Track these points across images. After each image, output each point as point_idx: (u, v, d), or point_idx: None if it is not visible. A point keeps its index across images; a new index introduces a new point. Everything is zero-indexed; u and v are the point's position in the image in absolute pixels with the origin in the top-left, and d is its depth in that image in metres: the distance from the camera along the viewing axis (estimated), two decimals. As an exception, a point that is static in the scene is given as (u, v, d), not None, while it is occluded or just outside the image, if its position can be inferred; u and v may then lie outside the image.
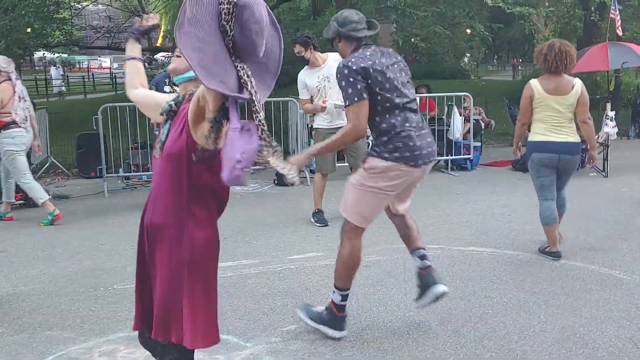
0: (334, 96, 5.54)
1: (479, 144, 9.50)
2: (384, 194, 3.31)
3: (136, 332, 2.43)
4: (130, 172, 8.49)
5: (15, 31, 9.41)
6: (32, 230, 6.03)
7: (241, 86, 1.70)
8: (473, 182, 7.97)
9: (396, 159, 3.22)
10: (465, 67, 22.97)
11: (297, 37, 5.88)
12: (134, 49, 2.47)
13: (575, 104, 4.58)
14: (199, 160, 1.88)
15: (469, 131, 9.02)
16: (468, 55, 23.91)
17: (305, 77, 5.83)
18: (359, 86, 3.19)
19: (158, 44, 17.02)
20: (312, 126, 6.61)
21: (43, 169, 8.88)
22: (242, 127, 1.67)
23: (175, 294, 2.03)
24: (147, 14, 2.58)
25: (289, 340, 3.43)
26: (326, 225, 5.82)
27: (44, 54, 25.95)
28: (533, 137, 4.72)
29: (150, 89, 7.87)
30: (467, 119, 9.13)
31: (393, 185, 3.30)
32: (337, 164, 6.25)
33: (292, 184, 1.90)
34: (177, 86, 7.27)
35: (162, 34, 18.02)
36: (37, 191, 6.18)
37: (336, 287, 3.41)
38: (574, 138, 4.64)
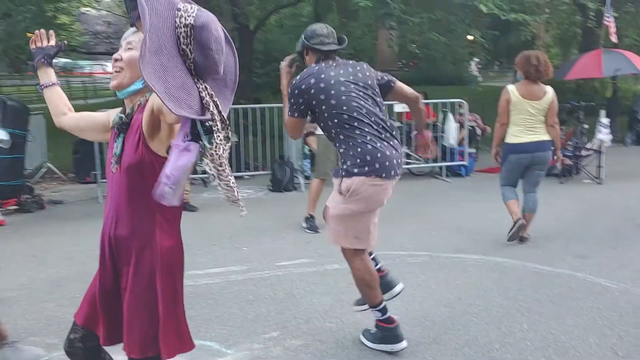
0: None
1: (473, 150, 9.53)
2: (367, 213, 3.23)
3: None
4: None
5: (13, 37, 9.47)
6: (25, 235, 6.06)
7: (203, 106, 1.73)
8: (466, 189, 7.98)
9: (366, 173, 3.12)
10: (472, 74, 23.01)
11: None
12: (48, 74, 2.34)
13: (547, 109, 5.17)
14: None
15: (464, 137, 9.04)
16: (476, 60, 23.94)
17: None
18: (295, 105, 3.28)
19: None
20: (307, 132, 6.62)
21: (39, 174, 8.92)
22: (184, 147, 1.69)
23: (146, 306, 2.04)
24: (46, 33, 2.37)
25: (271, 347, 3.44)
26: (317, 232, 5.84)
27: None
28: (509, 139, 5.31)
29: None
30: (462, 126, 9.15)
31: (373, 202, 3.20)
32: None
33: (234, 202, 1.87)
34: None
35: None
36: None
37: (371, 307, 3.36)
38: (546, 137, 5.24)
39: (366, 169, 3.11)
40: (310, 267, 4.76)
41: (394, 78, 3.48)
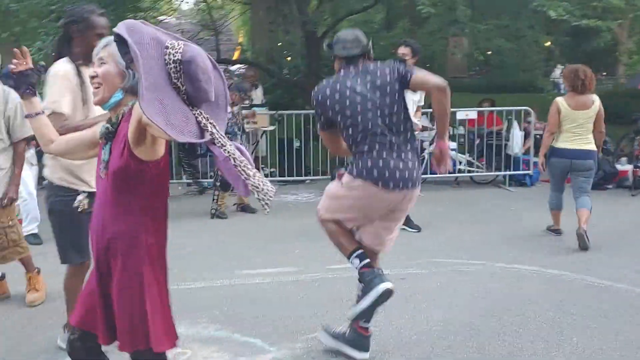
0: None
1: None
2: (355, 204, 3.21)
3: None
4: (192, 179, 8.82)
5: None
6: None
7: (202, 129, 1.91)
8: (529, 199, 7.75)
9: (364, 178, 3.10)
10: (554, 81, 22.30)
11: (409, 42, 5.91)
12: (34, 103, 2.38)
13: (594, 117, 5.55)
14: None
15: (530, 146, 8.81)
16: (561, 67, 23.19)
17: None
18: (317, 117, 3.29)
19: (235, 57, 17.62)
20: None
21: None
22: (224, 158, 1.93)
23: (134, 303, 2.12)
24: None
25: (312, 347, 3.50)
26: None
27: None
28: (554, 144, 5.71)
29: None
30: (528, 134, 8.92)
31: (366, 204, 3.18)
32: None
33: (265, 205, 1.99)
34: (235, 105, 7.46)
35: (239, 48, 18.63)
36: None
37: (348, 258, 3.31)
38: (589, 146, 5.58)
39: (368, 175, 3.09)
40: (361, 272, 4.78)
41: (413, 70, 3.19)
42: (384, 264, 3.50)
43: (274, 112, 9.55)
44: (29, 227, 5.78)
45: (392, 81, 3.14)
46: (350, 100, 3.13)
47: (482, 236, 5.91)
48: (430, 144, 7.84)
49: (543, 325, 3.76)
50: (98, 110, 2.96)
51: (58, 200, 3.14)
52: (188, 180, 8.77)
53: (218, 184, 7.03)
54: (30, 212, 5.85)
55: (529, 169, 8.62)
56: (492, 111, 9.18)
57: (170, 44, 1.91)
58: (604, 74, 39.15)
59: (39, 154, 5.68)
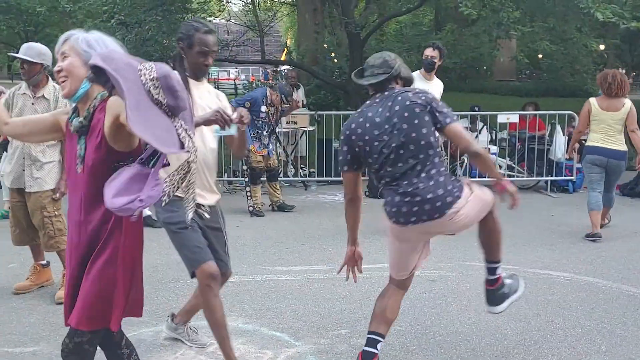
0: None
1: (584, 165, 9.03)
2: (398, 248, 3.19)
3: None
4: (232, 177, 9.00)
5: (144, 44, 10.34)
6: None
7: (180, 140, 2.04)
8: (570, 205, 7.61)
9: (388, 215, 3.01)
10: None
11: (437, 44, 5.94)
12: None
13: (625, 118, 5.74)
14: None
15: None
16: (623, 71, 22.55)
17: (420, 82, 5.52)
18: (341, 155, 3.09)
19: (282, 58, 17.84)
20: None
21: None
22: (157, 182, 2.04)
23: (105, 279, 2.24)
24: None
25: (337, 343, 3.57)
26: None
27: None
28: (589, 143, 5.96)
29: (244, 105, 8.13)
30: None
31: (398, 243, 3.15)
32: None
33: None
34: (272, 106, 7.55)
35: (285, 49, 18.84)
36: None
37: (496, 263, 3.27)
38: (621, 147, 5.81)
39: (386, 209, 3.03)
40: (391, 272, 4.81)
41: (452, 118, 2.90)
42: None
43: (313, 112, 9.65)
44: None
45: (420, 113, 2.87)
46: (369, 134, 2.93)
47: (517, 240, 5.84)
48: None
49: (572, 332, 3.72)
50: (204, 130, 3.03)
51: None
52: (229, 178, 8.95)
53: (246, 179, 7.16)
54: None
55: (571, 175, 8.44)
56: (535, 115, 9.03)
57: (142, 66, 2.04)
58: (660, 78, 37.77)
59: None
